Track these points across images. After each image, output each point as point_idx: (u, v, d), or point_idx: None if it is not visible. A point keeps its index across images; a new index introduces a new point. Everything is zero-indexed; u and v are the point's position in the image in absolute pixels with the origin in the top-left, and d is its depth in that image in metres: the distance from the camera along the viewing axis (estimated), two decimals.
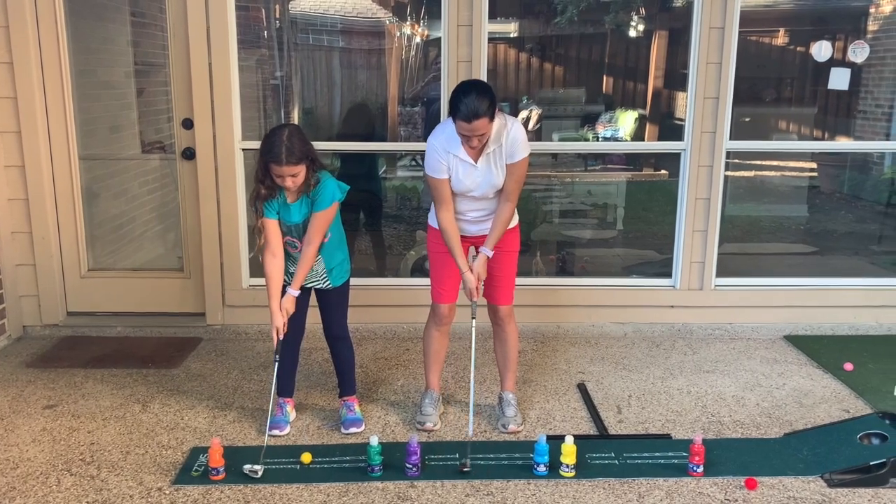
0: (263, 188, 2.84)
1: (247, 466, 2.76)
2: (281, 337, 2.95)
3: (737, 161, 4.87)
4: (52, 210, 4.15)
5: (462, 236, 3.04)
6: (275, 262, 2.93)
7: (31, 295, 4.23)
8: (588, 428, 3.19)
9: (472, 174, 2.91)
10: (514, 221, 3.10)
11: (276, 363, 2.98)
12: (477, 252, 3.05)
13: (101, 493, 2.67)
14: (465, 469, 2.78)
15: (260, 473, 2.74)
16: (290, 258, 3.00)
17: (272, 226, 2.91)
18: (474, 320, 3.05)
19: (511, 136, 2.88)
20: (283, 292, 2.96)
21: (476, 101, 2.71)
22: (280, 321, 2.93)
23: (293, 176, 2.78)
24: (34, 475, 2.79)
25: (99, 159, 4.40)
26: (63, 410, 3.33)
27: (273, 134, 2.79)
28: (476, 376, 3.69)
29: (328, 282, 3.06)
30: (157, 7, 4.16)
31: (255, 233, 2.95)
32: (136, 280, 4.37)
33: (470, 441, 2.98)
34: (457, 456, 2.90)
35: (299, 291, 2.97)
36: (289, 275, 2.98)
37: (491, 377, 3.65)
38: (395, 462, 2.80)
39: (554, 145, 5.39)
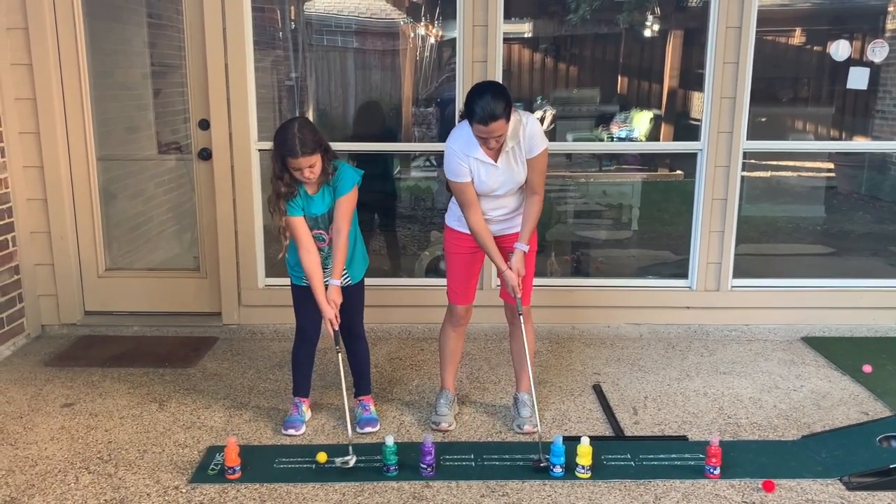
0: (283, 185, 2.85)
1: (338, 459, 2.78)
2: (336, 328, 2.95)
3: (753, 161, 4.83)
4: (70, 210, 4.18)
5: None
6: (311, 258, 2.93)
7: (50, 294, 4.27)
8: (604, 429, 3.18)
9: (493, 174, 2.91)
10: None
11: (339, 353, 2.98)
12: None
13: (119, 490, 2.69)
14: (542, 465, 2.78)
15: (351, 464, 2.77)
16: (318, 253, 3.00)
17: (300, 223, 2.92)
18: (521, 316, 3.05)
19: (528, 131, 2.87)
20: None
21: (492, 103, 2.70)
22: (331, 313, 2.93)
23: (310, 167, 2.80)
24: (52, 473, 2.81)
25: (116, 160, 4.44)
26: (81, 409, 3.35)
27: (284, 129, 2.81)
28: (491, 377, 3.71)
29: (348, 277, 3.07)
30: (174, 9, 4.19)
31: (281, 233, 2.95)
32: (153, 280, 4.40)
33: (540, 441, 2.94)
34: (472, 456, 2.90)
35: (341, 281, 2.98)
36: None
37: (506, 378, 3.65)
38: (410, 462, 2.80)
39: (568, 145, 5.37)
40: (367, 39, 5.68)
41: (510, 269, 2.98)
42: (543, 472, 2.77)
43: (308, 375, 3.22)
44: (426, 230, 5.21)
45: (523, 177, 2.94)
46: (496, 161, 2.89)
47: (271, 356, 3.98)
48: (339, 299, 2.96)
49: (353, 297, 3.12)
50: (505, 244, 3.05)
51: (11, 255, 4.05)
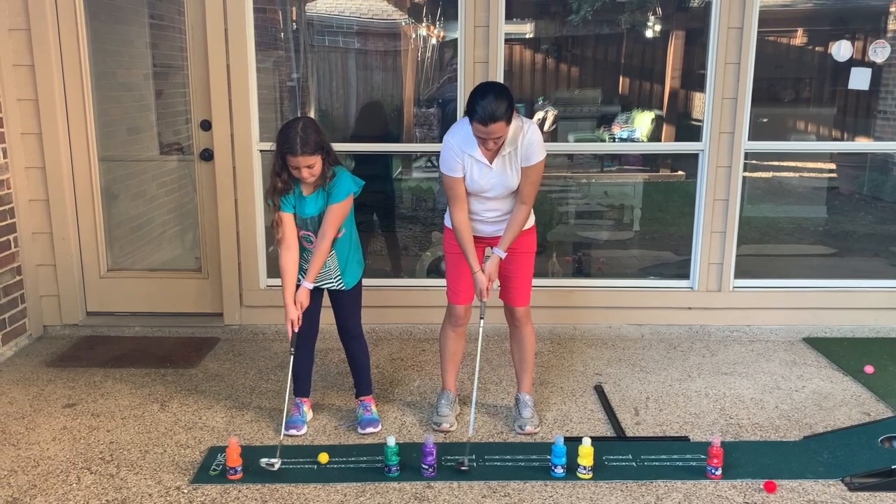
0: (280, 181, 2.87)
1: (263, 460, 2.77)
2: (297, 329, 2.97)
3: (755, 162, 4.83)
4: (71, 211, 4.19)
5: (477, 237, 3.04)
6: (289, 256, 2.95)
7: (52, 295, 4.27)
8: (605, 430, 3.17)
9: (486, 175, 2.91)
10: (531, 223, 3.09)
11: (293, 356, 3.01)
12: (491, 253, 3.05)
13: (121, 491, 2.69)
14: (463, 468, 2.78)
15: (276, 467, 2.75)
16: (304, 253, 3.01)
17: (288, 220, 2.94)
18: (482, 321, 3.05)
19: (527, 139, 2.87)
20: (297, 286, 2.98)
21: (493, 104, 2.70)
22: (295, 314, 2.94)
23: (309, 167, 2.81)
24: (55, 473, 2.81)
25: (118, 160, 4.44)
26: (83, 409, 3.36)
27: (288, 126, 2.83)
28: (492, 377, 3.70)
29: (341, 283, 3.07)
30: (176, 10, 4.20)
31: (273, 226, 2.98)
32: (155, 280, 4.40)
33: (469, 441, 2.97)
34: (473, 457, 2.90)
35: (313, 284, 2.98)
36: (303, 272, 3.00)
37: (507, 378, 3.65)
38: (411, 462, 2.80)
39: (570, 146, 5.38)
40: (368, 40, 5.69)
41: (482, 272, 2.99)
42: (465, 475, 2.77)
43: (308, 376, 3.22)
44: (427, 231, 5.22)
45: (516, 183, 2.93)
46: (491, 163, 2.89)
47: (273, 357, 3.98)
48: (305, 301, 2.97)
49: (349, 300, 3.12)
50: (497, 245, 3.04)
51: (13, 255, 4.06)
